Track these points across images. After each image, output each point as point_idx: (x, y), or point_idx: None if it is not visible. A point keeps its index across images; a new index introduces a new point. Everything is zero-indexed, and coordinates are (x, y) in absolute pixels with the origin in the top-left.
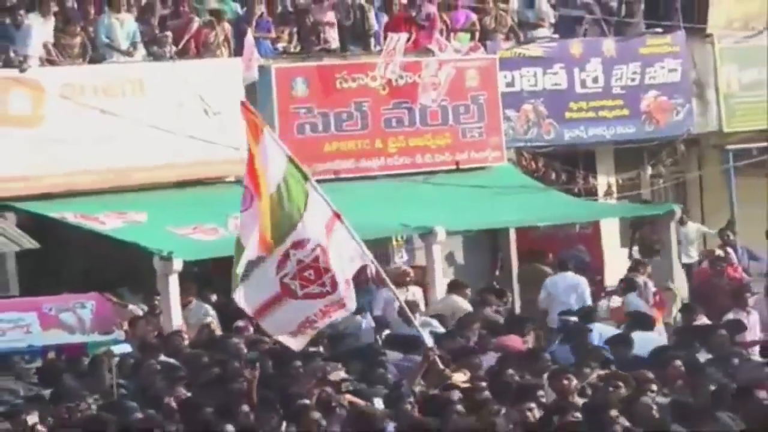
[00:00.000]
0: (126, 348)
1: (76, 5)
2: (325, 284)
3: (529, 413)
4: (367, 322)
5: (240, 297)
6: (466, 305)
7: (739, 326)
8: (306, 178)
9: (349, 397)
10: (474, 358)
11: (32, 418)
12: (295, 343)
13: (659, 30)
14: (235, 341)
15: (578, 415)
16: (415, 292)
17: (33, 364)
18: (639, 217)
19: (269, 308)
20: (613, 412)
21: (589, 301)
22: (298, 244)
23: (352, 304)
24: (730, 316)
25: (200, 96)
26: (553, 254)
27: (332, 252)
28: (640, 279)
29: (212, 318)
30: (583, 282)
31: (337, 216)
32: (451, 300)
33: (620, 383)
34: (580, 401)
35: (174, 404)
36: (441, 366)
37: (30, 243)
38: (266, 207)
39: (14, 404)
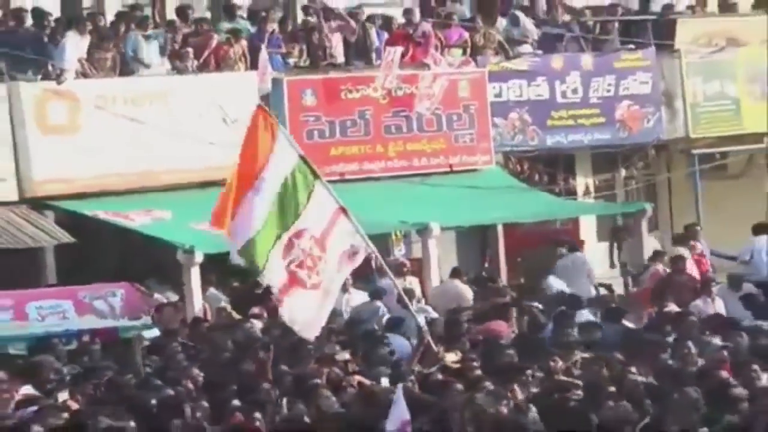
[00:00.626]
0: (154, 332)
1: (108, 24)
2: (319, 273)
3: (517, 391)
4: (383, 308)
5: (267, 281)
6: (466, 289)
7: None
8: (317, 176)
9: (357, 377)
10: (461, 342)
11: (62, 395)
12: (307, 334)
13: (632, 46)
14: (248, 326)
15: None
16: (411, 282)
17: (69, 346)
18: (614, 215)
19: (284, 294)
20: (611, 388)
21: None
22: (299, 234)
23: (336, 290)
24: (698, 302)
25: (219, 106)
26: (535, 248)
27: (330, 242)
28: (659, 267)
29: (225, 303)
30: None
31: (343, 210)
32: (454, 284)
33: (602, 364)
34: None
35: (191, 384)
36: (435, 348)
37: (66, 237)
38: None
39: (54, 381)
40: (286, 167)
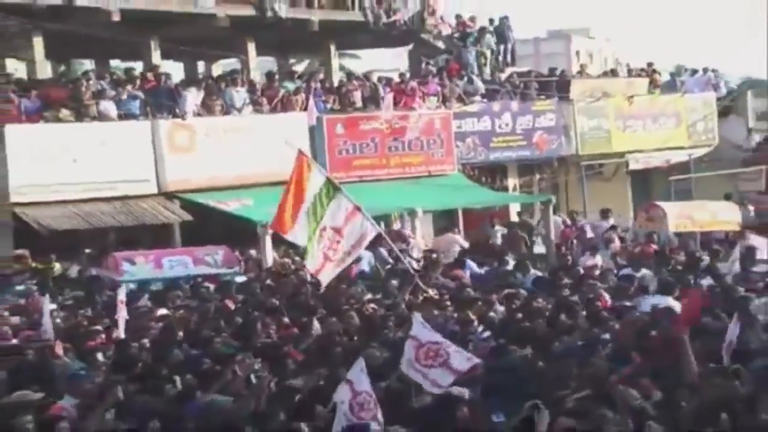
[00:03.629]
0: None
1: (214, 82)
2: (338, 251)
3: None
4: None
5: (309, 265)
6: (459, 237)
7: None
8: (337, 189)
9: (372, 305)
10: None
11: (182, 314)
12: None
13: (543, 97)
14: (301, 273)
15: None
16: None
17: (188, 285)
18: (531, 203)
19: (319, 272)
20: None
21: None
22: (324, 228)
23: (349, 261)
24: (583, 258)
25: (283, 134)
26: (483, 222)
27: (345, 231)
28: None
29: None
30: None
31: (358, 208)
32: (449, 235)
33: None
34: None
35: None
36: (422, 286)
37: (187, 217)
38: (289, 204)
39: (178, 306)
40: (316, 187)
